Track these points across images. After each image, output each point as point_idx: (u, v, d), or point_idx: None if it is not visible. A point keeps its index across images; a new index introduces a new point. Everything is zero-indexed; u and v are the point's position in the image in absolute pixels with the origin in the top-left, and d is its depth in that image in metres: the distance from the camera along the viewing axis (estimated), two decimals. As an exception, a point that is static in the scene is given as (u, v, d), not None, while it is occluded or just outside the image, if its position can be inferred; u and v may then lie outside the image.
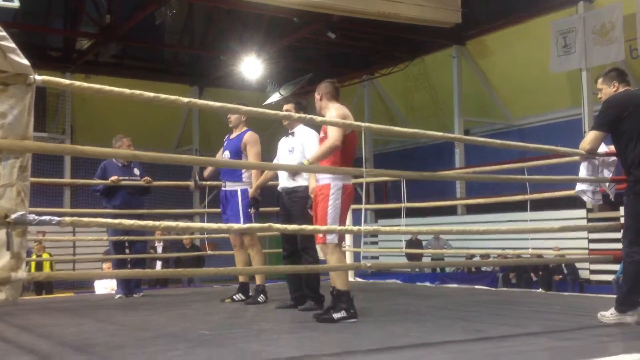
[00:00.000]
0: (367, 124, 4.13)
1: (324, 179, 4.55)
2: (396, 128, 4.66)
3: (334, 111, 4.56)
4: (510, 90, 16.89)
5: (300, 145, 5.28)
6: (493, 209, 14.26)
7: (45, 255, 12.81)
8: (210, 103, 3.57)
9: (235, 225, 5.42)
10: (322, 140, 4.72)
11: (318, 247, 4.78)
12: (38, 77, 2.58)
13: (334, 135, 4.45)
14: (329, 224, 4.44)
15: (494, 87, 17.40)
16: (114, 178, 6.80)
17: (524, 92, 16.39)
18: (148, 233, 8.06)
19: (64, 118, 18.43)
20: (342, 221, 4.56)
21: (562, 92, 15.53)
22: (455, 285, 8.76)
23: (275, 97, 17.00)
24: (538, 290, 9.00)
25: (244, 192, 5.82)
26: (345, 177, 4.54)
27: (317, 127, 5.37)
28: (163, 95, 3.05)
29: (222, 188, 5.99)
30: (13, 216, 2.51)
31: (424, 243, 15.89)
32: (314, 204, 4.68)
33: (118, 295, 6.82)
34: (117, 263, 7.08)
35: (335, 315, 4.39)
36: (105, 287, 8.59)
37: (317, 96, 4.79)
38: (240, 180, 5.85)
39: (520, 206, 13.55)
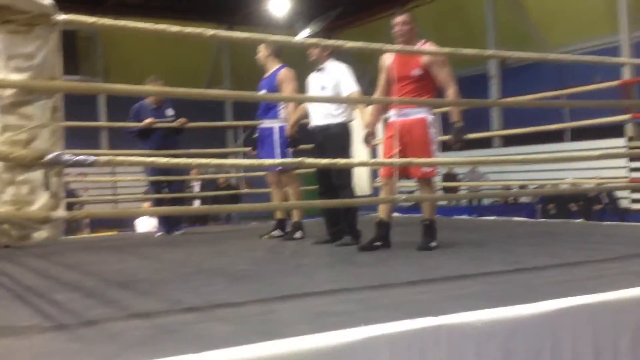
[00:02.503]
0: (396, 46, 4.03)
1: (418, 112, 4.65)
2: (427, 49, 4.58)
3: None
4: (547, 18, 16.25)
5: (332, 82, 5.21)
6: (531, 141, 13.96)
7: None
8: (236, 34, 3.51)
9: (268, 161, 5.43)
10: (419, 78, 4.68)
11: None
12: (61, 17, 2.55)
13: (452, 75, 4.68)
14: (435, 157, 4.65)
15: (529, 15, 16.79)
16: (148, 120, 6.84)
17: (561, 19, 15.76)
18: (185, 173, 8.12)
19: (95, 61, 18.55)
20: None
21: (599, 18, 14.92)
22: (493, 218, 8.69)
23: (304, 34, 16.76)
24: (577, 221, 8.89)
25: (281, 129, 5.80)
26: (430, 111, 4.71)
27: (347, 61, 5.28)
28: (188, 29, 3.03)
29: (260, 126, 5.98)
30: (49, 157, 2.53)
31: (459, 177, 15.76)
32: (406, 138, 4.67)
33: (159, 234, 6.96)
34: (156, 202, 7.21)
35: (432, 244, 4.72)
36: (147, 226, 8.77)
37: (408, 28, 4.70)
38: (277, 117, 5.82)
39: (558, 137, 13.26)
